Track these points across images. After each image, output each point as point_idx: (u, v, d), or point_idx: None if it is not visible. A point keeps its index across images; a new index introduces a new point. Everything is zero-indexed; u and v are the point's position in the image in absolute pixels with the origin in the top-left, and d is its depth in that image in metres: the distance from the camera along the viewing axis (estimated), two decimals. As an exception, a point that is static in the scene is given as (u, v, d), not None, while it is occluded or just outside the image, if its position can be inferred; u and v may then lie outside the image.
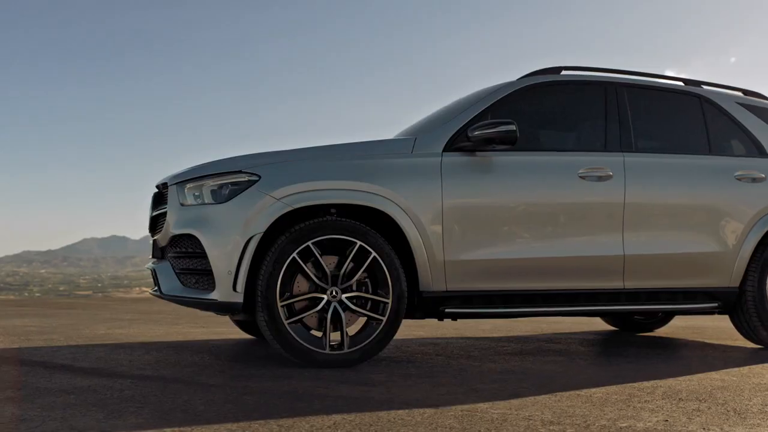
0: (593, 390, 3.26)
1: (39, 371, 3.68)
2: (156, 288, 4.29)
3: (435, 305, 4.13)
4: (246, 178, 3.91)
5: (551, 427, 2.51)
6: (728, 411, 2.83)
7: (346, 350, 3.86)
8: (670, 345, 5.29)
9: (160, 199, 4.45)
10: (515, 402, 2.97)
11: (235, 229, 3.81)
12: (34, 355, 4.31)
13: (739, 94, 5.28)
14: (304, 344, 3.80)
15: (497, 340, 5.37)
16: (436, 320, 4.39)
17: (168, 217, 4.10)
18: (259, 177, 3.90)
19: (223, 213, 3.86)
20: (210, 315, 7.74)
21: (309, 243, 3.83)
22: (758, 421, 2.66)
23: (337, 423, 2.54)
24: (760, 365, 4.14)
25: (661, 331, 6.27)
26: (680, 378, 3.64)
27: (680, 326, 6.69)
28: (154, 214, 4.43)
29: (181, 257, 4.04)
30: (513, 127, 4.10)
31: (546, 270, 4.32)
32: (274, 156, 4.03)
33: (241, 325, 5.40)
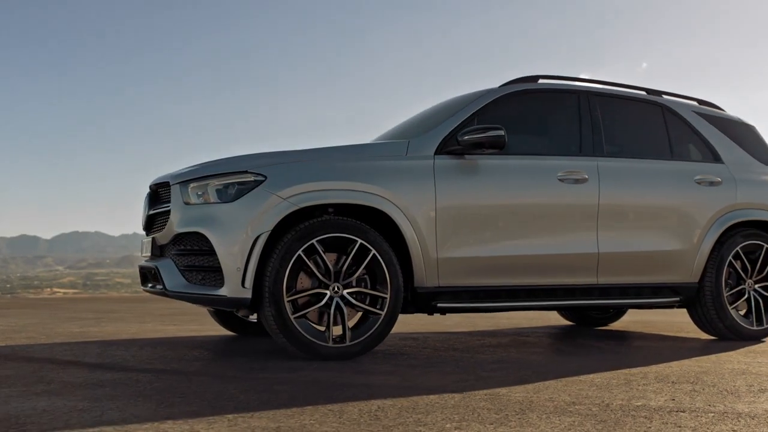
0: (591, 376, 3.55)
1: (51, 367, 3.74)
2: (153, 285, 4.38)
3: (428, 300, 4.35)
4: (252, 178, 4.04)
5: (577, 407, 2.77)
6: (721, 391, 3.15)
7: (348, 343, 4.04)
8: (632, 337, 5.66)
9: (156, 198, 4.54)
10: (529, 387, 3.22)
11: (243, 227, 3.94)
12: (32, 353, 4.33)
13: (695, 103, 5.70)
14: (309, 338, 3.97)
15: (471, 335, 5.64)
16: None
17: (171, 215, 4.19)
18: (265, 177, 4.04)
19: (232, 212, 3.99)
20: (175, 313, 7.78)
21: (313, 241, 4.00)
22: (752, 399, 2.98)
23: (381, 407, 2.73)
24: (725, 353, 4.52)
25: (615, 326, 6.66)
26: (661, 365, 3.97)
27: (631, 321, 7.11)
28: (151, 213, 4.51)
29: (186, 255, 4.13)
30: (502, 132, 4.36)
31: (529, 267, 4.60)
32: (279, 156, 4.18)
33: (222, 321, 5.49)
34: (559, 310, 6.08)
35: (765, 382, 3.40)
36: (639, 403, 2.85)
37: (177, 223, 4.15)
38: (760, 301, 5.27)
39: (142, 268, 4.61)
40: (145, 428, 2.37)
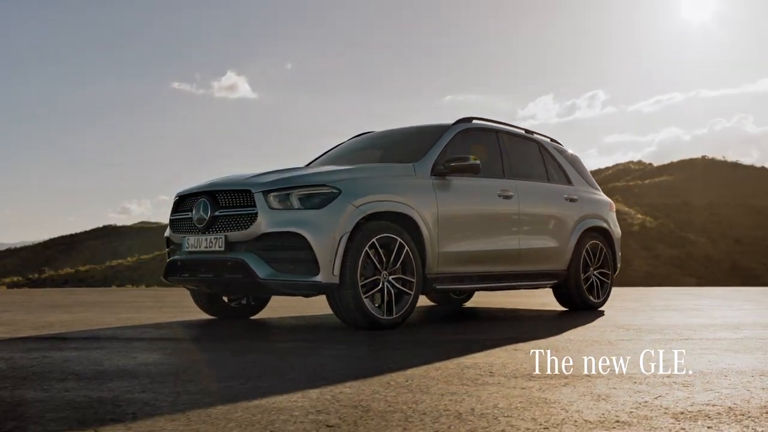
0: (566, 335, 5.36)
1: (183, 345, 4.60)
2: (217, 275, 5.32)
3: (432, 283, 5.86)
4: (329, 190, 5.22)
5: (618, 344, 4.55)
6: (680, 332, 5.16)
7: (394, 316, 5.41)
8: (516, 313, 7.63)
9: (215, 202, 5.42)
10: (545, 341, 4.93)
11: (332, 228, 5.10)
12: (119, 335, 5.01)
13: (548, 140, 7.86)
14: (373, 313, 5.27)
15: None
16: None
17: (259, 217, 5.15)
18: (340, 190, 5.24)
19: (322, 216, 5.11)
20: (139, 306, 8.12)
21: (374, 239, 5.31)
22: (708, 333, 5.01)
23: (490, 354, 4.26)
24: (601, 319, 6.65)
25: (468, 304, 8.64)
26: (589, 325, 5.93)
27: (478, 301, 9.17)
28: (217, 214, 5.37)
29: (274, 249, 5.13)
30: (478, 162, 6.02)
31: (485, 258, 6.32)
32: (344, 173, 5.42)
33: (207, 306, 6.40)
34: (500, 290, 7.76)
35: (686, 328, 5.48)
36: (653, 338, 4.73)
37: (266, 224, 5.14)
38: (598, 282, 7.59)
39: (183, 261, 5.51)
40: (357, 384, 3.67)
